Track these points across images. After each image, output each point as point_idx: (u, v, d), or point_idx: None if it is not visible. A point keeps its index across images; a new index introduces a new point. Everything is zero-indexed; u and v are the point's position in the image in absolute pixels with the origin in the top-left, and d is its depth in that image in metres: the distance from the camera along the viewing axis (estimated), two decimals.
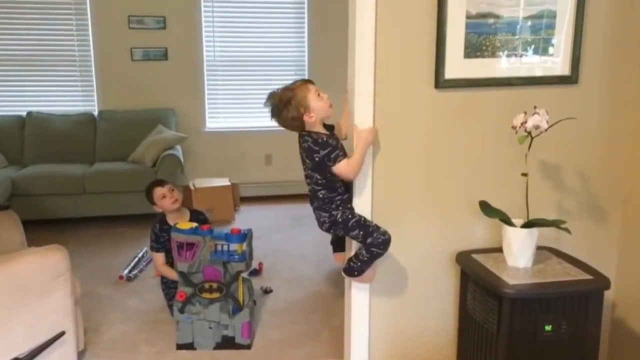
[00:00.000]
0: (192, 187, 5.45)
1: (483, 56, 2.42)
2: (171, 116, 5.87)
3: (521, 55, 2.45)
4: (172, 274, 3.33)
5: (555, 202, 2.57)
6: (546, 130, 2.20)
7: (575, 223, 2.53)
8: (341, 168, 2.26)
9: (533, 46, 2.45)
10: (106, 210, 5.26)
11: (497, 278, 2.20)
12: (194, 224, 3.15)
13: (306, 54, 6.08)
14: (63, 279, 2.68)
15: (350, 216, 2.31)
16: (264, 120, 6.06)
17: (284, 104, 2.25)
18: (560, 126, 2.29)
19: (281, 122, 2.30)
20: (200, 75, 6.04)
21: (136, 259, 4.29)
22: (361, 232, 2.28)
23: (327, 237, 4.80)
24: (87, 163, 5.51)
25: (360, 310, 2.55)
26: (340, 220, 2.31)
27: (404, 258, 2.54)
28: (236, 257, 3.05)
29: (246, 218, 5.52)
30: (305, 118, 2.25)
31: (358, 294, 2.53)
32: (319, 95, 2.27)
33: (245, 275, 3.27)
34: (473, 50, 2.40)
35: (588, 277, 2.22)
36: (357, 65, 2.33)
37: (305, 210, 5.60)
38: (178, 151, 5.48)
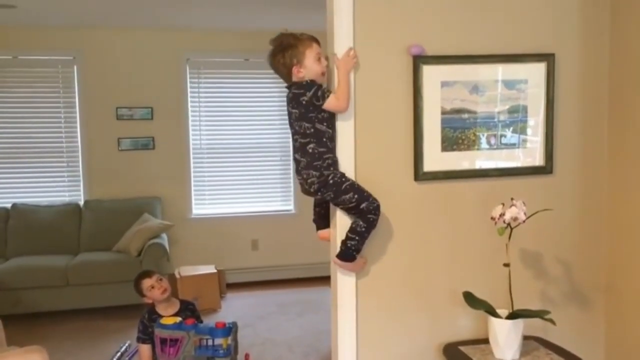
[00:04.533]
0: (177, 276, 5.39)
1: (460, 149, 2.50)
2: (157, 204, 5.89)
3: (497, 148, 2.53)
4: None
5: (539, 291, 2.59)
6: (524, 221, 2.24)
7: (560, 311, 2.54)
8: (331, 102, 2.24)
9: (508, 138, 2.54)
10: (90, 302, 5.15)
11: None
12: (178, 319, 3.09)
13: (291, 139, 6.17)
14: None
15: (343, 179, 2.25)
16: (250, 205, 6.24)
17: (282, 49, 2.24)
18: (537, 215, 2.34)
19: (272, 64, 2.29)
20: (187, 163, 6.12)
21: (119, 354, 4.17)
22: (355, 196, 2.21)
23: (313, 324, 4.78)
24: (71, 254, 5.45)
25: None
26: (331, 182, 2.23)
27: (391, 351, 2.50)
28: (221, 352, 2.98)
29: (232, 306, 5.43)
30: (294, 70, 2.24)
31: None
32: (319, 59, 2.26)
33: None
34: (450, 144, 2.48)
35: None
36: (338, 158, 2.37)
37: (291, 296, 5.61)
38: (164, 239, 5.46)
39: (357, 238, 2.25)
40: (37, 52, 5.73)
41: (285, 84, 2.33)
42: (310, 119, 2.26)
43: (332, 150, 2.30)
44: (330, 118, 2.31)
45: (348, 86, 2.30)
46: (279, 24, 5.61)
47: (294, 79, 2.27)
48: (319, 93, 2.23)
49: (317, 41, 2.29)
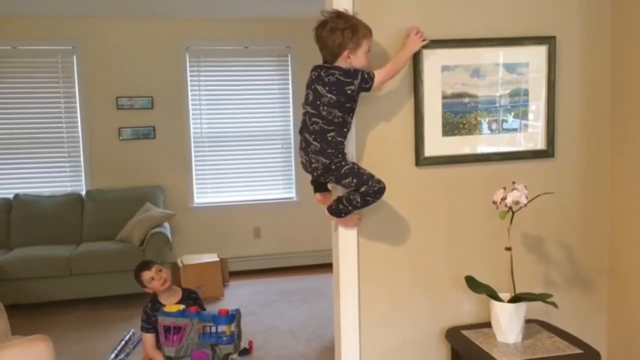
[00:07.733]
0: (180, 264, 5.41)
1: (461, 134, 2.49)
2: (159, 193, 5.90)
3: (498, 132, 2.52)
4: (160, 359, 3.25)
5: (541, 275, 2.59)
6: (526, 205, 2.24)
7: (563, 294, 2.54)
8: (379, 78, 2.21)
9: (509, 123, 2.53)
10: (93, 291, 5.18)
11: (487, 356, 2.18)
12: (181, 306, 3.10)
13: (292, 126, 6.19)
14: None
15: (343, 163, 2.21)
16: (252, 193, 6.25)
17: (345, 27, 2.12)
18: (539, 198, 2.34)
19: (321, 36, 2.16)
20: (188, 152, 6.12)
21: (123, 342, 4.19)
22: (354, 180, 2.17)
23: (316, 311, 4.79)
24: (74, 244, 5.47)
25: None
26: (333, 167, 2.20)
27: (393, 337, 2.51)
28: (224, 339, 2.99)
29: (235, 294, 5.45)
30: (345, 54, 2.15)
31: None
32: (368, 51, 2.19)
33: (234, 356, 3.20)
34: (451, 128, 2.47)
35: (578, 351, 2.21)
36: None
37: (294, 283, 5.63)
38: (166, 228, 5.47)
39: (349, 207, 2.25)
40: (36, 42, 5.71)
41: (324, 63, 2.23)
42: (346, 109, 2.20)
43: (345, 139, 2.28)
44: (355, 109, 2.28)
45: (400, 64, 2.27)
46: (277, 11, 5.64)
47: (339, 62, 2.19)
48: (365, 76, 2.18)
49: (372, 35, 2.23)
